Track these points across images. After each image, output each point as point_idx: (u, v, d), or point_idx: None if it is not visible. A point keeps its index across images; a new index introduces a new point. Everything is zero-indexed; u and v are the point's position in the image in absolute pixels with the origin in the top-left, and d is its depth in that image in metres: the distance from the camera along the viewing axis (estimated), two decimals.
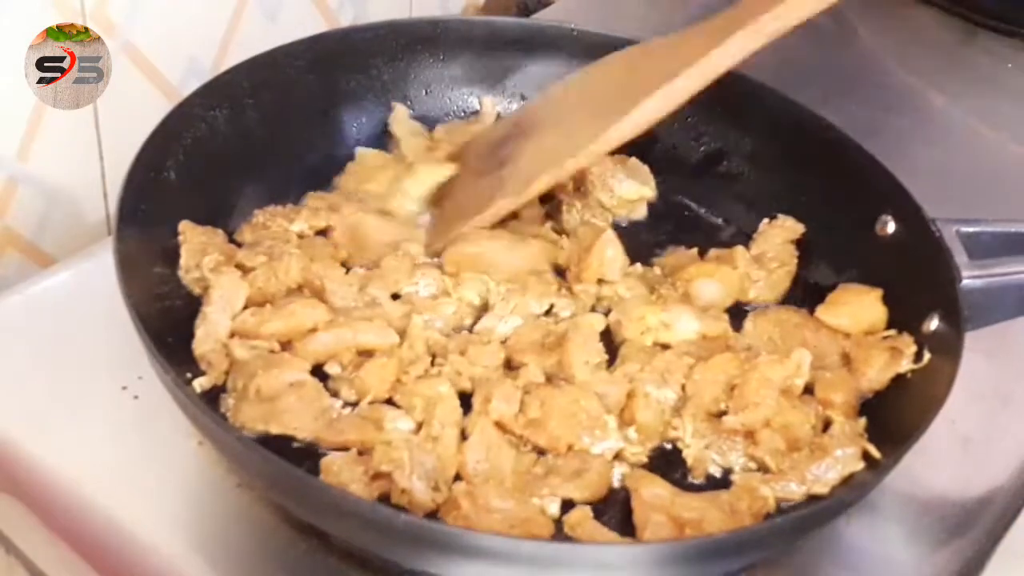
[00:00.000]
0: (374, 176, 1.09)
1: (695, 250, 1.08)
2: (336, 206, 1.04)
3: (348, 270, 1.00)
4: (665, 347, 0.98)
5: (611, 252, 1.02)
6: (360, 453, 0.85)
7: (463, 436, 0.88)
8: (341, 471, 0.83)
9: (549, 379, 0.93)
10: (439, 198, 1.08)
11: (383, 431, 0.86)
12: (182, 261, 0.95)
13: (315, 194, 1.07)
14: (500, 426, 0.89)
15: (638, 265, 1.05)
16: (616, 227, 1.08)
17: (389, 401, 0.91)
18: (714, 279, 1.03)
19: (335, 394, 0.91)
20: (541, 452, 0.89)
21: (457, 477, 0.86)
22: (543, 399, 0.90)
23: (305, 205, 1.05)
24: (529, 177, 1.03)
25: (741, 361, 0.95)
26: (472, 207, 1.04)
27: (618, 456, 0.89)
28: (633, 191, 1.11)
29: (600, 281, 1.02)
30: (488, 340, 0.96)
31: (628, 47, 1.06)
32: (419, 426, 0.88)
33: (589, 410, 0.90)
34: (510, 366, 0.95)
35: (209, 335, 0.91)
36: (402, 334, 0.95)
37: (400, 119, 1.14)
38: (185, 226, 0.97)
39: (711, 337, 0.99)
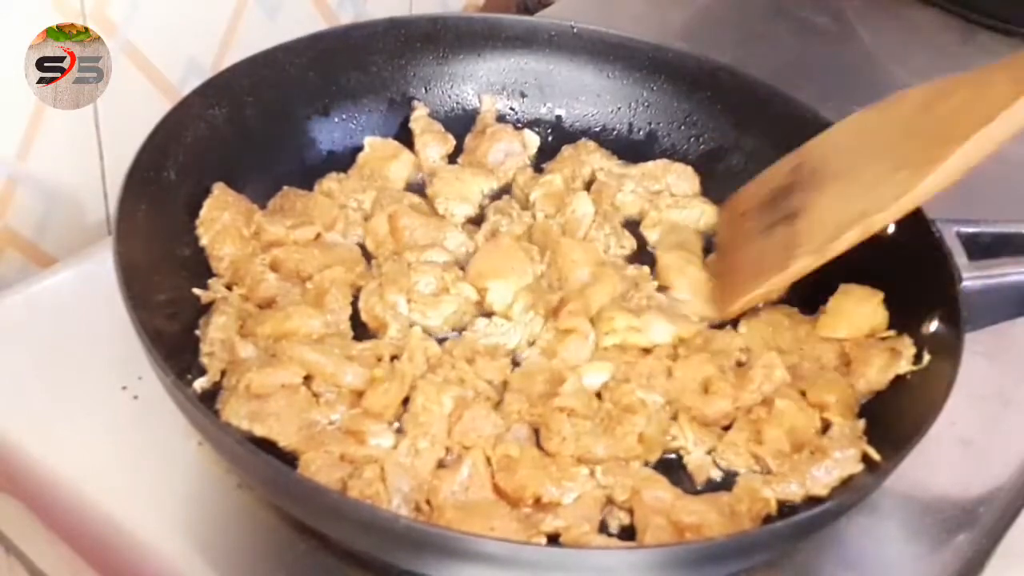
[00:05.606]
0: (389, 163, 1.10)
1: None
2: (367, 214, 1.05)
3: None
4: (646, 351, 0.97)
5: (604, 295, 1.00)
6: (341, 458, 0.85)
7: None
8: (319, 473, 0.82)
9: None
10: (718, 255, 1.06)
11: (365, 445, 0.85)
12: (202, 213, 0.98)
13: (333, 175, 1.08)
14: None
15: (621, 261, 1.05)
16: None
17: None
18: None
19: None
20: (513, 504, 0.85)
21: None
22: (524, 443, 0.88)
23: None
24: (830, 232, 0.95)
25: (720, 362, 0.95)
26: (766, 265, 0.99)
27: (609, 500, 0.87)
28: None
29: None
30: (494, 355, 0.94)
31: (911, 88, 0.97)
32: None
33: (560, 462, 0.87)
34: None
35: (218, 330, 0.91)
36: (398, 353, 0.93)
37: (419, 116, 1.15)
38: (218, 186, 1.00)
39: (687, 339, 0.98)
